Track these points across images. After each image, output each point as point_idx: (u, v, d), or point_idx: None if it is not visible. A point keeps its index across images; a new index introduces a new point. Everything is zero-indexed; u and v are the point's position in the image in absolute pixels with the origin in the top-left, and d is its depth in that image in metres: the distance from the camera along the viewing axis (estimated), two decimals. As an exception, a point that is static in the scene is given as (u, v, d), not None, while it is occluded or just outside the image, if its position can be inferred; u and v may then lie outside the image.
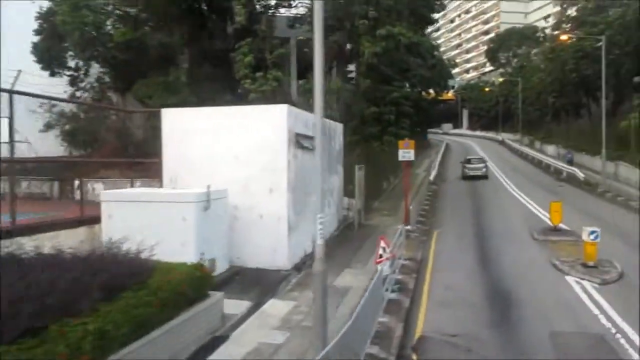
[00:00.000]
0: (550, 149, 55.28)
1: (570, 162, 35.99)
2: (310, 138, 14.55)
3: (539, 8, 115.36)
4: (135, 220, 11.16)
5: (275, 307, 10.96)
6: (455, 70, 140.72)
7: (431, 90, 74.77)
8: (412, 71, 49.83)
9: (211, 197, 12.09)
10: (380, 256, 11.17)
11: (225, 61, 26.38)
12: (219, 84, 25.55)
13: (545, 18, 52.79)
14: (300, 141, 14.67)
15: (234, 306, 10.45)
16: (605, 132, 30.25)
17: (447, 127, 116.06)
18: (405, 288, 12.31)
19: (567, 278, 13.39)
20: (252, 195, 13.82)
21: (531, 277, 13.72)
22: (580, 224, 16.68)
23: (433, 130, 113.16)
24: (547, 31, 46.86)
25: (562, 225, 19.52)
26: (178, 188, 13.82)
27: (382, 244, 11.38)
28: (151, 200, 11.98)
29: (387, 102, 25.79)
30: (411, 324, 10.23)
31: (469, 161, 38.91)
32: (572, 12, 41.01)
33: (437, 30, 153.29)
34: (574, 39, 34.45)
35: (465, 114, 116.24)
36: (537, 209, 24.37)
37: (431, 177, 34.16)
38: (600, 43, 29.37)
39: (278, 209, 13.78)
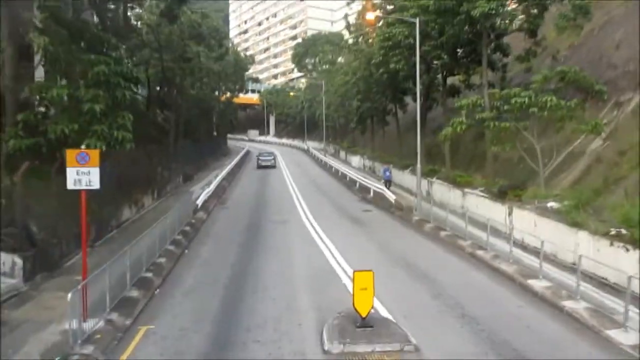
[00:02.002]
0: (355, 159, 49.38)
1: (389, 182, 28.45)
2: None
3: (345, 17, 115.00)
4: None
5: None
6: (263, 75, 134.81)
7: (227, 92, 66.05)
8: (193, 61, 39.12)
9: None
10: None
11: None
12: None
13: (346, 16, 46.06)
14: None
15: None
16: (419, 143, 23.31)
17: (254, 133, 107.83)
18: None
19: None
20: None
21: None
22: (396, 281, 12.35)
23: (238, 136, 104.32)
24: (351, 21, 39.89)
25: (376, 309, 10.44)
26: None
27: None
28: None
29: (90, 82, 14.14)
30: None
31: (261, 154, 49.47)
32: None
33: (245, 32, 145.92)
34: (382, 23, 27.14)
35: (272, 120, 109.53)
36: (334, 257, 15.39)
37: (198, 202, 23.37)
38: (412, 29, 22.34)
39: None
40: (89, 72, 13.74)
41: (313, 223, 20.89)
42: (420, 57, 23.34)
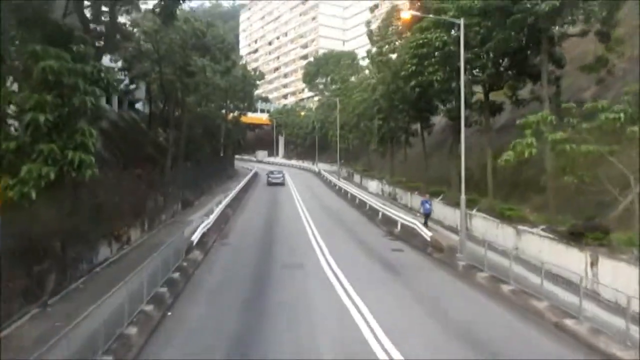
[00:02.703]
0: (373, 185, 45.17)
1: (428, 216, 23.97)
2: None
3: (358, 36, 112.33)
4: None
5: None
6: (272, 95, 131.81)
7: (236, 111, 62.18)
8: (197, 75, 35.39)
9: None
10: None
11: None
12: None
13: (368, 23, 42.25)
14: None
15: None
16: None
17: (262, 154, 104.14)
18: None
19: None
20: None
21: None
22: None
23: (246, 157, 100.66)
24: (374, 28, 35.74)
25: None
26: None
27: None
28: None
29: (34, 82, 10.33)
30: None
31: (272, 172, 51.98)
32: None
33: (256, 51, 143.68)
34: (414, 28, 23.03)
35: (281, 141, 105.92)
36: (370, 327, 11.14)
37: (194, 237, 19.13)
38: (457, 31, 18.44)
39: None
40: (34, 69, 9.76)
41: (335, 269, 16.64)
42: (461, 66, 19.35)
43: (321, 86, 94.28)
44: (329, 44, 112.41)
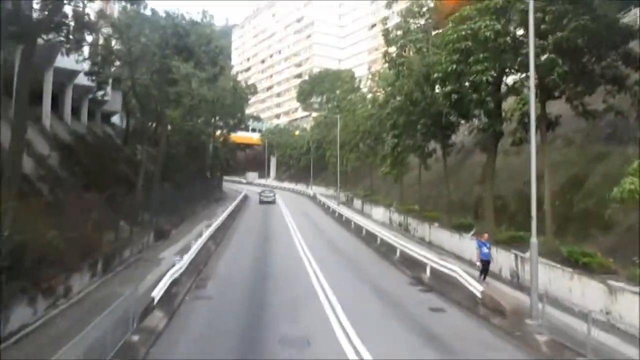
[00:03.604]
0: (378, 212, 39.87)
1: (488, 264, 18.08)
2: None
3: (354, 55, 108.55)
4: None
5: None
6: (265, 115, 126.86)
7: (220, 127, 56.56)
8: (178, 84, 30.00)
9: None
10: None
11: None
12: None
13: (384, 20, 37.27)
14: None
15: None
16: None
17: (252, 176, 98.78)
18: None
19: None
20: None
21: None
22: None
23: (236, 178, 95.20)
24: (390, 26, 30.45)
25: None
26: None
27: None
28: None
29: None
30: None
31: (263, 192, 55.51)
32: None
33: (248, 70, 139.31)
34: (460, 13, 17.87)
35: (273, 162, 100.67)
36: None
37: (155, 293, 13.48)
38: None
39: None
40: None
41: (359, 347, 11.19)
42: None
43: (316, 105, 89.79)
44: (324, 63, 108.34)
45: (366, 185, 52.20)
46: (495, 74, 16.64)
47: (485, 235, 17.48)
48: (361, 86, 70.11)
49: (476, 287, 15.09)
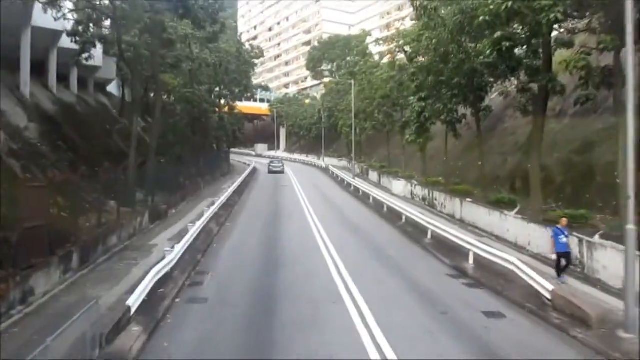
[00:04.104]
0: (398, 185, 36.50)
1: (568, 256, 14.74)
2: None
3: (365, 20, 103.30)
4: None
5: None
6: (273, 84, 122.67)
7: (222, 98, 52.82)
8: (174, 46, 26.41)
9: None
10: None
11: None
12: None
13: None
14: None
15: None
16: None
17: (262, 148, 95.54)
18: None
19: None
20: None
21: None
22: None
23: (245, 151, 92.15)
24: None
25: None
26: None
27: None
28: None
29: None
30: None
31: (272, 162, 58.78)
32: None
33: (255, 38, 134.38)
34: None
35: (282, 133, 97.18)
36: None
37: (131, 301, 10.42)
38: None
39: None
40: None
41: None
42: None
43: (326, 73, 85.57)
44: (334, 29, 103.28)
45: (382, 156, 48.77)
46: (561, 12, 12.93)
47: (564, 221, 13.96)
48: (373, 52, 65.85)
49: (543, 285, 11.81)
